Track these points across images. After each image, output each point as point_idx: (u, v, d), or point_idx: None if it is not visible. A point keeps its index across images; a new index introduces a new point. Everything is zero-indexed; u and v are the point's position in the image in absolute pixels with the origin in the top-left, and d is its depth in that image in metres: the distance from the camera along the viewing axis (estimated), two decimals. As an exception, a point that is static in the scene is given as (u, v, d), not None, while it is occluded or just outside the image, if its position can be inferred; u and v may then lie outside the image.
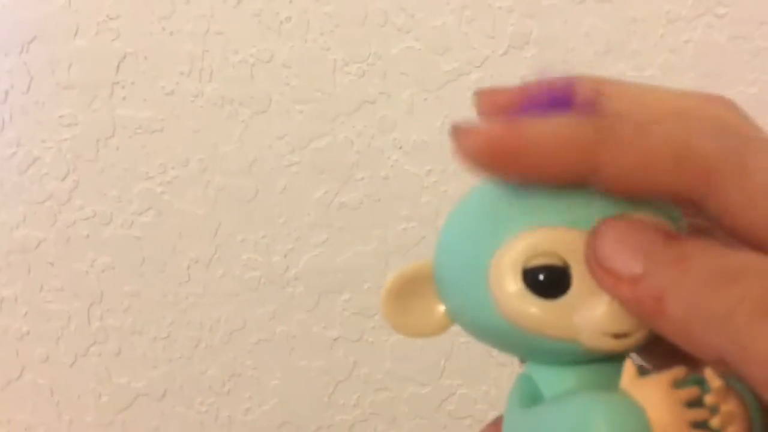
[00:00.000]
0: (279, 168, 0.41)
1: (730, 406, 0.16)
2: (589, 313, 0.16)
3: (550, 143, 0.16)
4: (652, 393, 0.16)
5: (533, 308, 0.17)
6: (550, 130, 0.16)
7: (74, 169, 0.41)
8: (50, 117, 0.41)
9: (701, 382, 0.16)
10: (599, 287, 0.16)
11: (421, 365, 0.42)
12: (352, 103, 0.39)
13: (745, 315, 0.14)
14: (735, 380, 0.16)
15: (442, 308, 0.18)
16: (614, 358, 0.17)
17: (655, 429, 0.15)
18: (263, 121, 0.40)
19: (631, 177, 0.16)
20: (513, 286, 0.17)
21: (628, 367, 0.16)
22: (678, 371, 0.16)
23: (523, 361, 0.19)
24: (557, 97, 0.17)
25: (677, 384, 0.16)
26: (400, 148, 0.40)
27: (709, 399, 0.16)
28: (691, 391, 0.16)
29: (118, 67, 0.40)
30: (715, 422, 0.16)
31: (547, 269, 0.17)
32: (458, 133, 0.16)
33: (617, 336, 0.16)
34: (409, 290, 0.18)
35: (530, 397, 0.18)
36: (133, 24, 0.39)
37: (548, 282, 0.17)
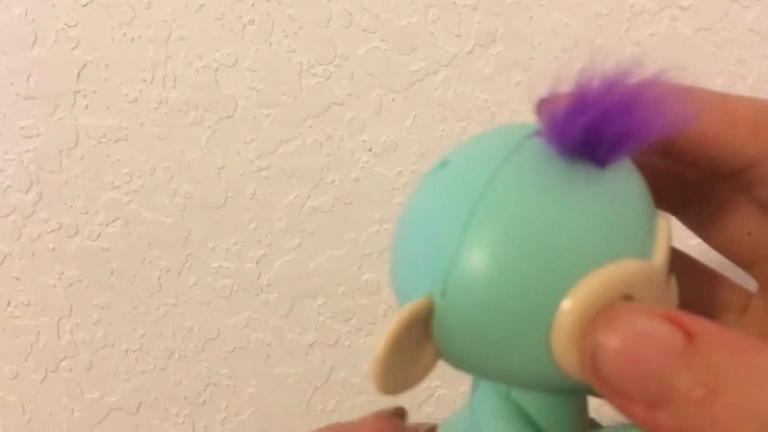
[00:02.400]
0: (248, 173, 0.40)
1: None
2: None
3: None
4: None
5: None
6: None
7: (38, 181, 0.40)
8: (11, 129, 0.40)
9: None
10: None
11: (398, 368, 0.42)
12: (319, 106, 0.39)
13: None
14: None
15: (433, 348, 0.15)
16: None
17: None
18: (230, 127, 0.39)
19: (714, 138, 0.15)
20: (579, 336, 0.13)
21: None
22: None
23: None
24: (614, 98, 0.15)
25: None
26: (370, 149, 0.39)
27: None
28: None
29: (78, 75, 0.39)
30: None
31: None
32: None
33: None
34: (407, 342, 0.15)
35: (519, 418, 0.16)
36: (93, 31, 0.38)
37: None
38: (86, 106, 0.39)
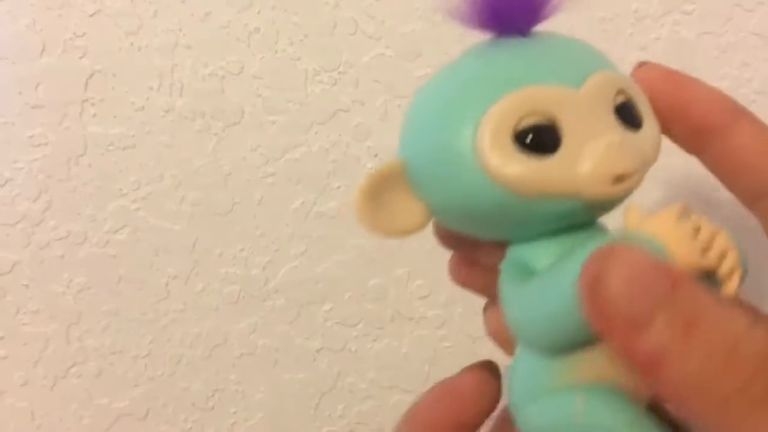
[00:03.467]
0: (254, 180, 0.40)
1: (724, 239, 0.16)
2: (588, 160, 0.16)
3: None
4: (664, 227, 0.16)
5: (532, 168, 0.16)
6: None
7: (46, 189, 0.41)
8: (20, 137, 0.40)
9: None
10: (584, 155, 0.16)
11: (405, 372, 0.42)
12: (325, 113, 0.39)
13: (744, 403, 0.13)
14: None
15: (419, 204, 0.18)
16: (588, 226, 0.18)
17: (676, 258, 0.15)
18: (236, 134, 0.39)
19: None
20: (506, 149, 0.16)
21: (632, 209, 0.16)
22: (681, 206, 0.16)
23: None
24: None
25: (682, 217, 0.16)
26: (376, 155, 0.39)
27: (705, 230, 0.16)
28: (694, 221, 0.16)
29: (86, 84, 0.39)
30: (716, 249, 0.16)
31: (537, 128, 0.16)
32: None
33: (617, 179, 0.16)
34: (383, 191, 0.18)
35: (524, 272, 0.18)
36: (100, 40, 0.39)
37: (540, 139, 0.16)
38: (94, 115, 0.40)
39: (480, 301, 0.25)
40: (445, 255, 0.25)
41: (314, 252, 0.41)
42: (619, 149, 0.16)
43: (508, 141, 0.16)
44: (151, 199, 0.41)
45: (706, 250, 0.16)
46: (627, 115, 0.17)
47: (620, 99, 0.17)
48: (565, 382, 0.17)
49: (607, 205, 0.17)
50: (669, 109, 0.20)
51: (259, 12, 0.38)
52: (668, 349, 0.14)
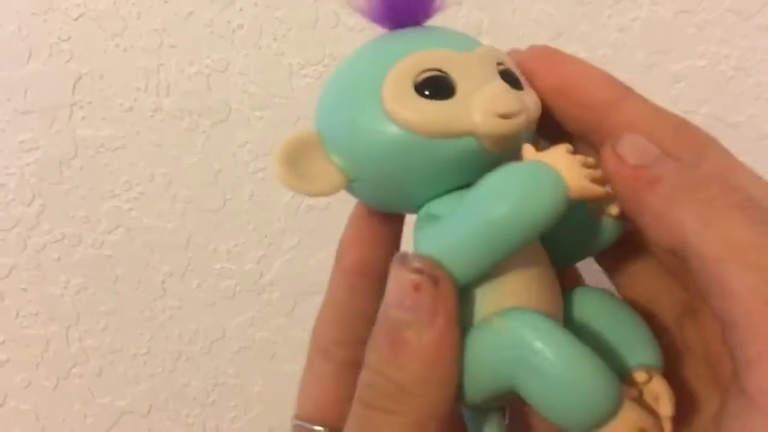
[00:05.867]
0: (244, 176, 0.41)
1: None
2: (479, 100, 0.19)
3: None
4: (557, 158, 0.18)
5: (430, 109, 0.19)
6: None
7: (39, 193, 0.41)
8: (11, 143, 0.41)
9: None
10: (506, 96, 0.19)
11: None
12: (311, 106, 0.39)
13: (719, 205, 0.17)
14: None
15: (334, 169, 0.20)
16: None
17: (569, 182, 0.18)
18: (224, 131, 0.40)
19: None
20: (408, 96, 0.19)
21: (528, 147, 0.19)
22: (568, 144, 0.19)
23: None
24: None
25: (571, 152, 0.19)
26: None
27: (591, 160, 0.19)
28: (585, 157, 0.19)
29: (74, 87, 0.40)
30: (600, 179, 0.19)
31: (433, 78, 0.19)
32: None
33: (505, 117, 0.18)
34: (302, 157, 0.20)
35: (434, 220, 0.20)
36: (86, 44, 0.39)
37: (437, 87, 0.19)
38: (83, 118, 0.40)
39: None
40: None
41: (307, 244, 0.42)
42: (504, 92, 0.19)
43: (409, 90, 0.19)
44: (143, 199, 0.41)
45: (593, 178, 0.18)
46: (509, 78, 0.20)
47: (502, 67, 0.20)
48: (484, 313, 0.19)
49: (500, 144, 0.19)
50: (554, 87, 0.21)
51: (241, 9, 0.38)
52: (663, 174, 0.18)
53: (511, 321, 0.18)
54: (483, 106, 0.18)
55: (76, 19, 0.39)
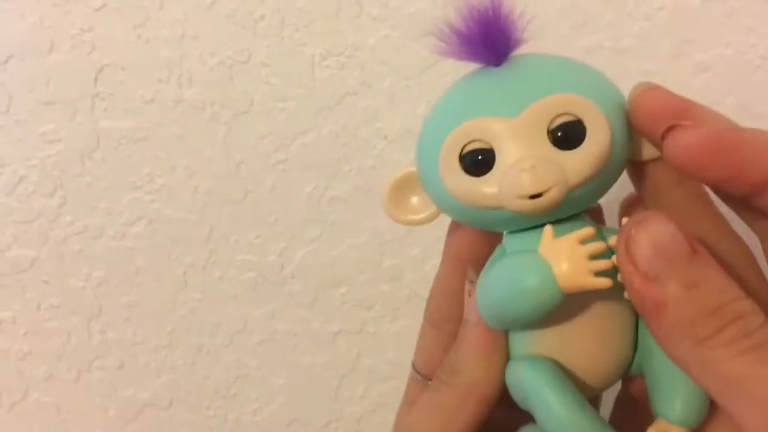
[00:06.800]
0: (266, 167, 0.41)
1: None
2: (505, 182, 0.20)
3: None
4: (559, 250, 0.20)
5: (465, 185, 0.21)
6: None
7: (61, 185, 0.41)
8: (32, 135, 0.40)
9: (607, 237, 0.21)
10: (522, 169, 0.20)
11: (423, 351, 0.42)
12: (333, 97, 0.39)
13: (716, 344, 0.18)
14: None
15: (429, 201, 0.23)
16: (573, 219, 0.22)
17: (558, 279, 0.19)
18: (246, 122, 0.40)
19: None
20: (452, 169, 0.21)
21: (546, 232, 0.20)
22: (586, 231, 0.20)
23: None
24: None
25: (584, 241, 0.20)
26: (385, 137, 0.40)
27: (610, 243, 0.20)
28: (596, 246, 0.20)
29: (96, 79, 0.40)
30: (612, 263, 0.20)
31: (476, 152, 0.20)
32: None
33: (533, 197, 0.19)
34: (403, 191, 0.23)
35: (496, 259, 0.22)
36: (108, 35, 0.39)
37: (476, 161, 0.20)
38: (105, 109, 0.40)
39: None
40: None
41: (328, 236, 0.42)
42: (531, 171, 0.19)
43: (455, 161, 0.21)
44: (165, 191, 0.41)
45: (600, 273, 0.19)
46: (564, 134, 0.20)
47: (560, 120, 0.20)
48: (520, 353, 0.23)
49: (533, 217, 0.21)
50: (723, 178, 0.19)
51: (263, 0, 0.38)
52: (670, 299, 0.18)
53: (527, 372, 0.22)
54: (505, 189, 0.20)
55: (98, 10, 0.39)
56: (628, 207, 0.25)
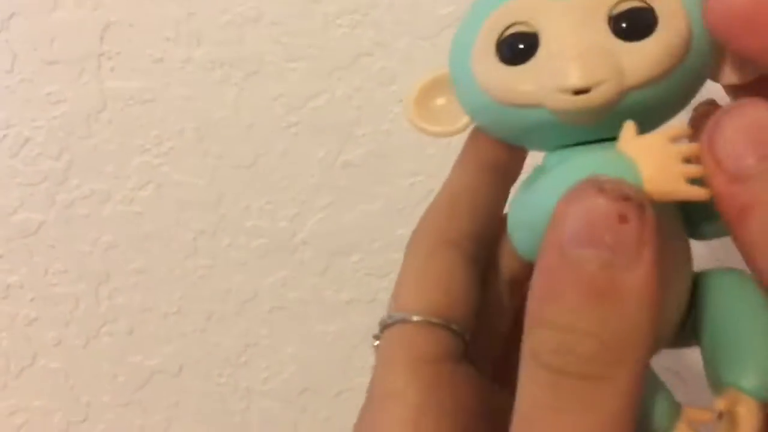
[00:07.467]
0: (277, 130, 0.39)
1: None
2: (547, 72, 0.16)
3: None
4: (647, 148, 0.15)
5: (499, 75, 0.17)
6: None
7: (67, 147, 0.40)
8: (38, 95, 0.39)
9: None
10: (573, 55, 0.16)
11: (437, 321, 0.42)
12: (347, 57, 0.38)
13: None
14: None
15: (460, 109, 0.19)
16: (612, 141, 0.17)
17: (646, 182, 0.15)
18: (257, 83, 0.39)
19: None
20: (486, 58, 0.17)
21: (627, 127, 0.16)
22: (679, 129, 0.16)
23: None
24: None
25: (677, 139, 0.16)
26: (401, 100, 0.38)
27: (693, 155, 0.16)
28: (691, 147, 0.15)
29: (102, 37, 0.38)
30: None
31: (516, 36, 0.17)
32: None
33: (578, 93, 0.16)
34: (432, 96, 0.19)
35: (535, 177, 0.18)
36: (114, -9, 0.38)
37: (515, 47, 0.17)
38: (111, 69, 0.39)
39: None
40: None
41: (341, 202, 0.40)
42: (578, 59, 0.16)
43: (491, 50, 0.17)
44: (174, 154, 0.40)
45: (694, 180, 0.15)
46: (629, 22, 0.16)
47: (625, 6, 0.16)
48: None
49: (578, 119, 0.17)
50: (759, 48, 0.16)
51: (275, -46, 0.37)
52: (758, 201, 0.15)
53: None
54: (546, 80, 0.16)
55: (104, -35, 0.37)
56: (702, 117, 0.19)
